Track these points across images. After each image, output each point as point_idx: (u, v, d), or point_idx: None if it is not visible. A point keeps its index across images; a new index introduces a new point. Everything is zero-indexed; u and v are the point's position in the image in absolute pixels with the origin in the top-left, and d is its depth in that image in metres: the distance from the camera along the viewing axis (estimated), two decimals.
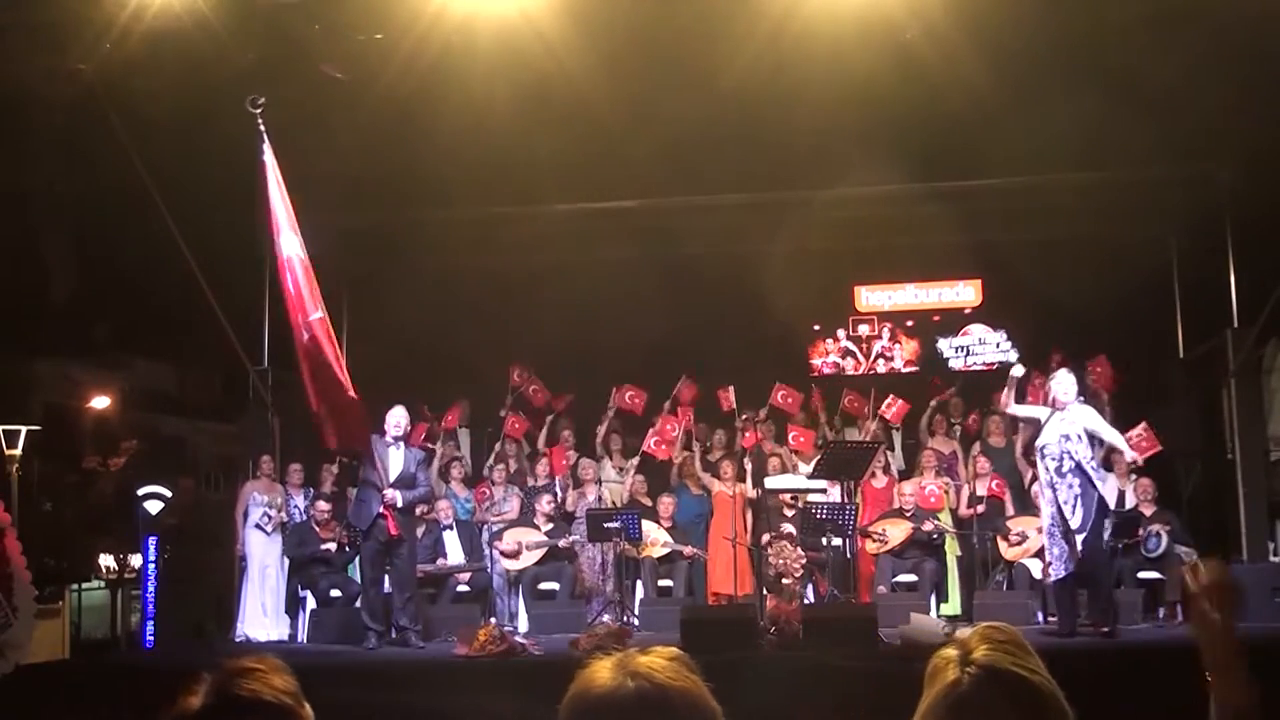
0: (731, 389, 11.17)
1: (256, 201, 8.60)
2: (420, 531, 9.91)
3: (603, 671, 1.59)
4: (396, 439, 8.92)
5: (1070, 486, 7.90)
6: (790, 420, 11.30)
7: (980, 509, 9.95)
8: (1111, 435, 8.39)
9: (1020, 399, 8.72)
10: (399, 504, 8.66)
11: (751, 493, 10.46)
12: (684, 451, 11.04)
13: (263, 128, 8.29)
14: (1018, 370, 8.51)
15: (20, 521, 9.01)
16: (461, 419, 11.85)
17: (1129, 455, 8.60)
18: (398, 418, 8.98)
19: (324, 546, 10.03)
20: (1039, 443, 8.15)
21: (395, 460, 8.84)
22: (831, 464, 9.34)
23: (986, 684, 1.62)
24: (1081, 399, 8.41)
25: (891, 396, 11.19)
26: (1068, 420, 8.04)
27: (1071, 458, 7.93)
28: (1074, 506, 7.89)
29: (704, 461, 10.95)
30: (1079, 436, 7.99)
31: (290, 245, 8.39)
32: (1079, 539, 7.89)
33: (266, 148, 8.36)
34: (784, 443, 11.03)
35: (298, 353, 8.48)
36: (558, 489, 10.80)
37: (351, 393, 8.35)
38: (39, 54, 8.27)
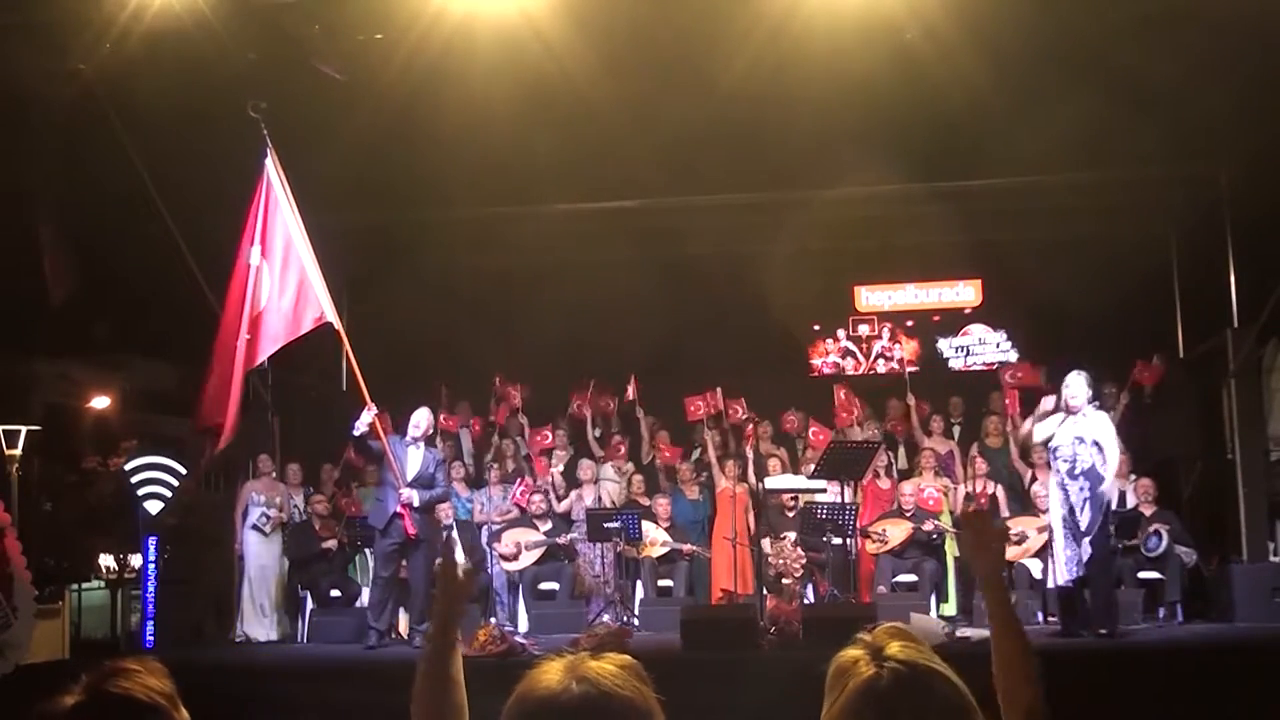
0: (719, 391, 11.13)
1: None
2: None
3: (551, 673, 1.59)
4: (416, 439, 8.94)
5: (1081, 490, 7.87)
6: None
7: (972, 509, 9.92)
8: (1111, 456, 7.94)
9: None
10: (415, 503, 8.69)
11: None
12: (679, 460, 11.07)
13: (266, 133, 8.29)
14: (1048, 402, 8.20)
15: (20, 521, 9.01)
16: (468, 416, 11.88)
17: (1109, 479, 8.01)
18: (419, 419, 9.00)
19: (324, 545, 10.02)
20: (1050, 443, 8.08)
21: (414, 460, 8.88)
22: (831, 464, 9.33)
23: (905, 679, 1.66)
24: (1097, 404, 8.31)
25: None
26: (1082, 425, 7.95)
27: (1083, 461, 7.87)
28: (1083, 508, 7.86)
29: (701, 461, 10.97)
30: (1093, 442, 7.89)
31: (253, 256, 8.36)
32: (1086, 541, 7.87)
33: (269, 153, 8.34)
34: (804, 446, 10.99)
35: (212, 357, 8.41)
36: (549, 490, 10.77)
37: (228, 424, 8.27)
38: (39, 54, 8.26)
